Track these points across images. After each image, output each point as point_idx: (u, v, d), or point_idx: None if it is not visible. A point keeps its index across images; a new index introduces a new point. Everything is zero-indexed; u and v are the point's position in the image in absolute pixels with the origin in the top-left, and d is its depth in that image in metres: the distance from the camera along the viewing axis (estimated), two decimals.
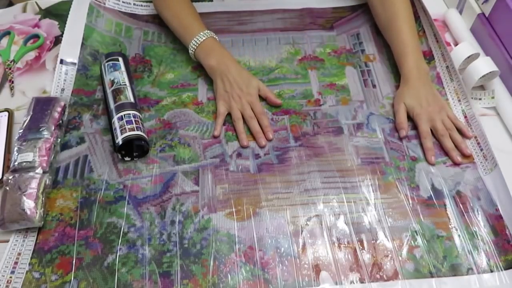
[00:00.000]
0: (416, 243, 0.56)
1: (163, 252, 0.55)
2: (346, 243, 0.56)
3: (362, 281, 0.53)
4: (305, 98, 0.72)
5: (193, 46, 0.72)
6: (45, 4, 0.86)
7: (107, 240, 0.56)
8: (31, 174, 0.58)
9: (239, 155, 0.65)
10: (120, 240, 0.56)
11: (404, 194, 0.60)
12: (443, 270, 0.54)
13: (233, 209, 0.59)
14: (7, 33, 0.80)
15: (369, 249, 0.55)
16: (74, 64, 0.74)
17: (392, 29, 0.73)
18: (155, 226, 0.57)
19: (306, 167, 0.63)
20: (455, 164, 0.63)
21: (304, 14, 0.85)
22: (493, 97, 0.69)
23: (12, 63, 0.76)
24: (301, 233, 0.57)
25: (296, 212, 0.59)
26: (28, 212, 0.55)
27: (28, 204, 0.55)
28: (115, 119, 0.63)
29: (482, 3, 0.76)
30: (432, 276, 0.53)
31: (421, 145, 0.65)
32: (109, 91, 0.67)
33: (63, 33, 0.78)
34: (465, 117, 0.68)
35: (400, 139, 0.66)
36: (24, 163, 0.58)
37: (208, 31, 0.72)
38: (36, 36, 0.80)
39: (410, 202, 0.60)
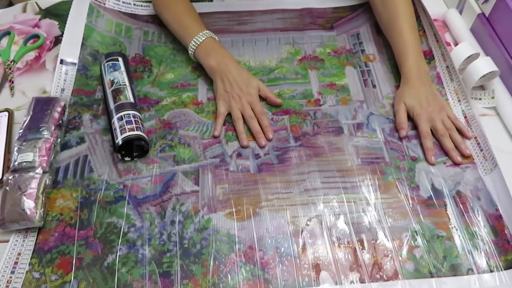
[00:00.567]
0: (416, 243, 0.56)
1: (163, 252, 0.55)
2: (346, 243, 0.56)
3: (362, 281, 0.53)
4: (305, 98, 0.72)
5: (193, 47, 0.72)
6: (45, 4, 0.86)
7: (107, 240, 0.56)
8: (31, 174, 0.58)
9: (239, 155, 0.65)
10: (120, 240, 0.56)
11: (404, 194, 0.60)
12: (443, 270, 0.54)
13: (233, 209, 0.59)
14: (7, 33, 0.80)
15: (369, 249, 0.55)
16: (74, 64, 0.74)
17: (393, 28, 0.73)
18: (155, 226, 0.57)
19: (306, 167, 0.63)
20: (455, 164, 0.63)
21: (304, 14, 0.85)
22: (493, 97, 0.69)
23: (12, 63, 0.76)
24: (301, 233, 0.57)
25: (296, 212, 0.59)
26: (28, 212, 0.55)
27: (28, 204, 0.55)
28: (115, 119, 0.63)
29: (482, 3, 0.76)
30: (432, 276, 0.53)
31: (421, 145, 0.65)
32: (109, 91, 0.67)
33: (63, 33, 0.78)
34: (465, 117, 0.68)
35: (400, 139, 0.66)
36: (24, 163, 0.58)
37: (208, 31, 0.72)
38: (36, 36, 0.80)
39: (410, 202, 0.60)
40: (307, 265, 0.54)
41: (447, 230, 0.57)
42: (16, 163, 0.59)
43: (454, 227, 0.57)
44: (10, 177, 0.57)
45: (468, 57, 0.71)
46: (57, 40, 0.79)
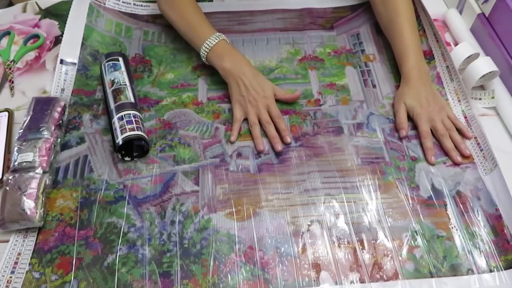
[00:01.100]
0: (416, 243, 0.56)
1: (163, 252, 0.55)
2: (346, 243, 0.56)
3: (362, 281, 0.53)
4: (305, 98, 0.72)
5: (205, 50, 0.70)
6: (45, 4, 0.86)
7: (107, 240, 0.56)
8: (31, 174, 0.58)
9: (239, 155, 0.65)
10: (120, 240, 0.56)
11: (404, 194, 0.60)
12: (443, 270, 0.54)
13: (233, 209, 0.59)
14: (7, 33, 0.80)
15: (369, 249, 0.55)
16: (74, 64, 0.74)
17: (393, 28, 0.73)
18: (155, 226, 0.57)
19: (306, 167, 0.63)
20: (455, 164, 0.63)
21: (304, 14, 0.85)
22: (493, 97, 0.69)
23: (12, 63, 0.76)
24: (301, 233, 0.57)
25: (296, 212, 0.59)
26: (28, 212, 0.55)
27: (28, 204, 0.55)
28: (115, 119, 0.63)
29: (482, 3, 0.76)
30: (432, 276, 0.53)
31: (421, 145, 0.65)
32: (109, 91, 0.67)
33: (63, 33, 0.78)
34: (465, 117, 0.68)
35: (400, 139, 0.66)
36: (24, 163, 0.58)
37: (219, 33, 0.71)
38: (36, 36, 0.80)
39: (410, 202, 0.60)
40: (307, 265, 0.54)
41: (447, 230, 0.57)
42: (16, 163, 0.59)
43: (454, 227, 0.57)
44: (10, 177, 0.57)
45: (468, 57, 0.71)
46: (57, 40, 0.79)
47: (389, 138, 0.67)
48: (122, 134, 0.61)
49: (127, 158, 0.63)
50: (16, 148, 0.60)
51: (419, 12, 0.79)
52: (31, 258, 0.54)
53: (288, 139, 0.65)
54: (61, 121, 0.65)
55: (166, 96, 0.72)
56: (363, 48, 0.80)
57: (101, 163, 0.63)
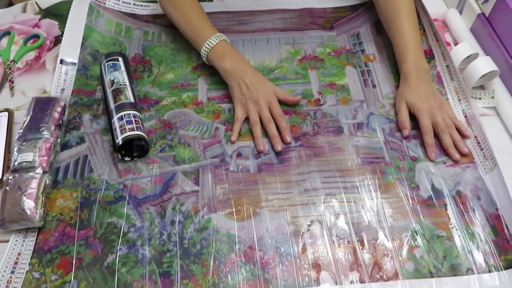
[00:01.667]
0: (416, 243, 0.56)
1: (163, 252, 0.55)
2: (346, 243, 0.56)
3: (362, 281, 0.53)
4: (305, 98, 0.72)
5: (206, 50, 0.70)
6: (45, 4, 0.86)
7: (107, 240, 0.56)
8: (31, 174, 0.58)
9: (239, 155, 0.65)
10: (120, 240, 0.56)
11: (404, 194, 0.60)
12: (443, 270, 0.54)
13: (233, 209, 0.59)
14: (7, 33, 0.80)
15: (369, 249, 0.55)
16: (74, 64, 0.74)
17: (394, 26, 0.72)
18: (155, 226, 0.57)
19: (306, 167, 0.63)
20: (454, 162, 0.63)
21: (304, 14, 0.85)
22: (493, 97, 0.69)
23: (12, 63, 0.76)
24: (301, 233, 0.57)
25: (296, 212, 0.59)
26: (28, 212, 0.55)
27: (28, 204, 0.55)
28: (115, 119, 0.63)
29: (482, 3, 0.76)
30: (432, 276, 0.53)
31: (422, 144, 0.65)
32: (109, 91, 0.67)
33: (63, 33, 0.78)
34: (465, 116, 0.68)
35: (400, 139, 0.66)
36: (24, 163, 0.58)
37: (220, 33, 0.71)
38: (36, 36, 0.80)
39: (410, 202, 0.60)
40: (307, 265, 0.54)
41: (447, 230, 0.57)
42: (16, 163, 0.59)
43: (454, 227, 0.57)
44: (10, 177, 0.57)
45: (468, 57, 0.71)
46: (57, 40, 0.79)
47: (389, 138, 0.67)
48: (122, 134, 0.61)
49: (127, 158, 0.63)
50: (16, 148, 0.60)
51: (419, 11, 0.79)
52: (31, 258, 0.54)
53: (288, 138, 0.65)
54: (61, 121, 0.65)
55: (166, 96, 0.72)
56: (363, 48, 0.80)
57: (101, 163, 0.63)
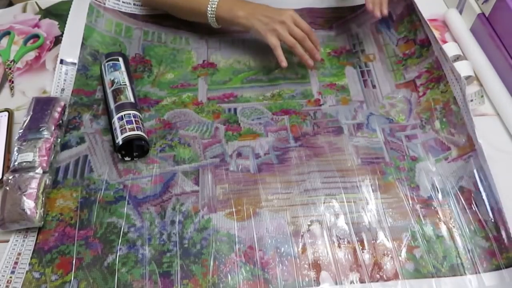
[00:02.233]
0: (416, 243, 0.56)
1: (163, 252, 0.55)
2: (346, 243, 0.56)
3: (362, 281, 0.53)
4: (305, 98, 0.72)
5: (212, 10, 0.71)
6: (45, 4, 0.86)
7: (107, 240, 0.56)
8: (31, 174, 0.58)
9: (239, 155, 0.65)
10: (120, 240, 0.56)
11: (404, 194, 0.60)
12: (443, 270, 0.54)
13: (233, 209, 0.59)
14: (7, 33, 0.80)
15: (369, 249, 0.55)
16: (74, 64, 0.74)
17: None
18: (155, 226, 0.57)
19: (306, 167, 0.63)
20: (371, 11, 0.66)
21: (304, 14, 0.85)
22: (482, 96, 0.68)
23: (12, 63, 0.76)
24: (301, 233, 0.57)
25: (296, 212, 0.59)
26: (28, 212, 0.55)
27: (28, 204, 0.55)
28: (115, 119, 0.63)
29: (482, 3, 0.76)
30: (432, 276, 0.53)
31: (422, 144, 0.65)
32: (109, 91, 0.67)
33: (63, 33, 0.78)
34: (464, 95, 0.65)
35: (401, 139, 0.66)
36: (24, 163, 0.58)
37: None
38: (36, 36, 0.80)
39: (410, 202, 0.60)
40: (307, 265, 0.54)
41: (447, 230, 0.57)
42: (16, 163, 0.59)
43: (455, 226, 0.57)
44: (10, 177, 0.57)
45: (455, 59, 0.70)
46: (57, 40, 0.79)
47: (389, 138, 0.67)
48: (122, 134, 0.61)
49: (127, 158, 0.63)
50: (16, 148, 0.60)
51: (414, 4, 0.77)
52: (31, 258, 0.54)
53: (319, 56, 0.71)
54: (61, 121, 0.65)
55: (166, 96, 0.72)
56: (363, 48, 0.80)
57: (101, 163, 0.63)
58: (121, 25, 0.82)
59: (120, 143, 0.61)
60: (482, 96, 0.68)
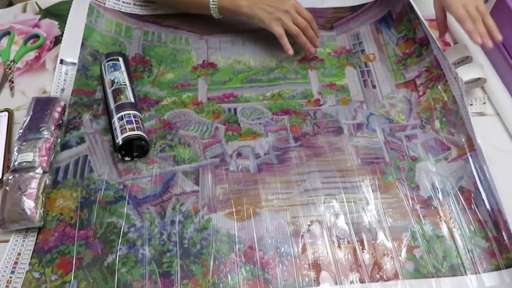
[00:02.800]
0: (416, 243, 0.56)
1: (163, 252, 0.55)
2: (346, 243, 0.56)
3: (362, 281, 0.53)
4: (305, 98, 0.72)
5: (214, 2, 0.73)
6: (45, 4, 0.86)
7: (107, 240, 0.56)
8: (31, 174, 0.58)
9: (239, 154, 0.65)
10: (120, 240, 0.56)
11: (404, 194, 0.60)
12: (443, 270, 0.54)
13: (233, 209, 0.59)
14: (7, 33, 0.80)
15: (369, 249, 0.55)
16: (74, 64, 0.74)
17: None
18: (155, 226, 0.57)
19: (306, 167, 0.63)
20: (478, 43, 0.62)
21: None
22: (484, 103, 0.69)
23: (12, 63, 0.76)
24: (301, 233, 0.57)
25: (296, 212, 0.59)
26: (28, 212, 0.55)
27: (28, 204, 0.55)
28: (115, 119, 0.63)
29: None
30: (432, 276, 0.53)
31: (422, 144, 0.65)
32: (109, 91, 0.67)
33: (63, 33, 0.78)
34: (462, 95, 0.65)
35: (400, 139, 0.66)
36: (24, 163, 0.58)
37: None
38: (36, 36, 0.80)
39: (410, 202, 0.60)
40: (307, 265, 0.54)
41: (447, 230, 0.57)
42: (16, 163, 0.59)
43: (455, 226, 0.57)
44: (10, 177, 0.57)
45: (461, 61, 0.70)
46: (57, 40, 0.79)
47: (389, 138, 0.67)
48: (122, 134, 0.61)
49: (127, 158, 0.63)
50: (16, 148, 0.60)
51: (413, 3, 0.77)
52: (31, 258, 0.54)
53: (318, 43, 0.74)
54: (61, 121, 0.65)
55: (166, 96, 0.72)
56: (363, 48, 0.80)
57: (101, 163, 0.63)
58: (121, 25, 0.82)
59: (120, 143, 0.61)
60: (484, 103, 0.68)
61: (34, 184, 0.57)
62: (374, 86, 0.74)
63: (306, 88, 0.73)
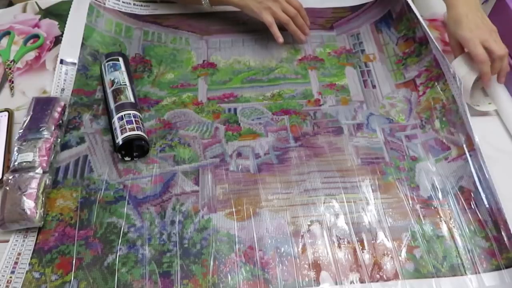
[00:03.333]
0: (416, 243, 0.56)
1: (163, 252, 0.55)
2: (346, 243, 0.56)
3: (362, 281, 0.53)
4: (305, 98, 0.72)
5: None
6: (45, 4, 0.86)
7: (107, 240, 0.56)
8: (31, 174, 0.58)
9: (239, 154, 0.65)
10: (120, 240, 0.56)
11: (404, 194, 0.60)
12: (443, 270, 0.54)
13: (233, 209, 0.59)
14: (7, 33, 0.80)
15: (369, 249, 0.55)
16: (74, 64, 0.74)
17: None
18: (155, 226, 0.57)
19: (306, 167, 0.63)
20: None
21: None
22: (490, 103, 0.69)
23: (12, 63, 0.76)
24: (301, 233, 0.57)
25: (296, 212, 0.59)
26: (28, 212, 0.55)
27: (28, 204, 0.55)
28: (115, 119, 0.63)
29: (482, 3, 0.76)
30: (432, 276, 0.53)
31: (422, 144, 0.65)
32: (109, 91, 0.67)
33: (63, 33, 0.78)
34: (460, 94, 0.65)
35: (401, 139, 0.66)
36: (24, 163, 0.58)
37: None
38: (36, 36, 0.80)
39: (410, 202, 0.60)
40: (307, 265, 0.54)
41: (447, 230, 0.57)
42: (16, 163, 0.59)
43: (455, 226, 0.57)
44: (10, 177, 0.57)
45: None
46: (57, 40, 0.79)
47: (389, 138, 0.67)
48: (122, 134, 0.61)
49: (127, 158, 0.63)
50: (16, 148, 0.60)
51: (411, 5, 0.77)
52: (31, 258, 0.54)
53: (308, 31, 0.76)
54: (61, 121, 0.65)
55: (166, 96, 0.72)
56: (363, 48, 0.80)
57: (101, 163, 0.63)
58: (121, 25, 0.82)
59: (120, 143, 0.61)
60: (490, 103, 0.68)
61: (34, 184, 0.57)
62: (374, 86, 0.74)
63: (306, 88, 0.73)
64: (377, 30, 0.81)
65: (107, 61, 0.70)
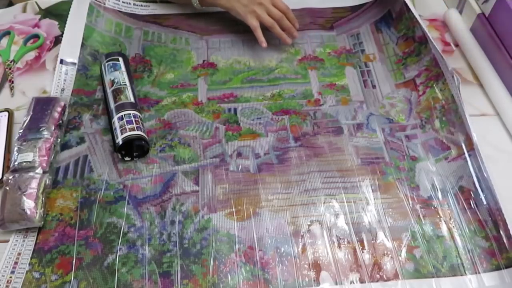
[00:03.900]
0: (416, 243, 0.56)
1: (163, 252, 0.55)
2: (346, 243, 0.56)
3: (362, 281, 0.53)
4: (305, 98, 0.72)
5: None
6: (45, 4, 0.86)
7: (107, 240, 0.56)
8: (31, 174, 0.58)
9: (239, 154, 0.65)
10: (120, 240, 0.56)
11: (404, 194, 0.60)
12: (443, 270, 0.54)
13: (233, 209, 0.59)
14: (7, 33, 0.80)
15: (369, 249, 0.55)
16: (74, 64, 0.74)
17: None
18: (155, 226, 0.57)
19: (306, 167, 0.63)
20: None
21: (304, 14, 0.85)
22: None
23: (12, 63, 0.76)
24: (301, 233, 0.57)
25: (296, 212, 0.59)
26: (28, 212, 0.55)
27: (28, 204, 0.55)
28: (115, 119, 0.63)
29: (482, 3, 0.76)
30: (432, 276, 0.53)
31: (422, 144, 0.65)
32: (109, 91, 0.67)
33: (63, 33, 0.78)
34: (459, 89, 0.65)
35: (401, 139, 0.66)
36: (24, 163, 0.58)
37: None
38: (36, 36, 0.80)
39: (410, 202, 0.60)
40: (307, 265, 0.54)
41: (447, 230, 0.57)
42: (16, 163, 0.59)
43: (455, 226, 0.57)
44: (10, 177, 0.57)
45: None
46: (57, 40, 0.79)
47: (389, 138, 0.67)
48: (122, 134, 0.61)
49: (127, 158, 0.63)
50: (16, 148, 0.60)
51: (409, 5, 0.77)
52: (31, 258, 0.54)
53: (297, 34, 0.75)
54: (61, 121, 0.65)
55: (166, 96, 0.72)
56: (363, 48, 0.80)
57: (101, 163, 0.63)
58: (121, 25, 0.82)
59: (120, 143, 0.61)
60: None
61: (34, 184, 0.57)
62: (374, 86, 0.74)
63: (306, 88, 0.73)
64: (377, 30, 0.81)
65: (107, 61, 0.70)
